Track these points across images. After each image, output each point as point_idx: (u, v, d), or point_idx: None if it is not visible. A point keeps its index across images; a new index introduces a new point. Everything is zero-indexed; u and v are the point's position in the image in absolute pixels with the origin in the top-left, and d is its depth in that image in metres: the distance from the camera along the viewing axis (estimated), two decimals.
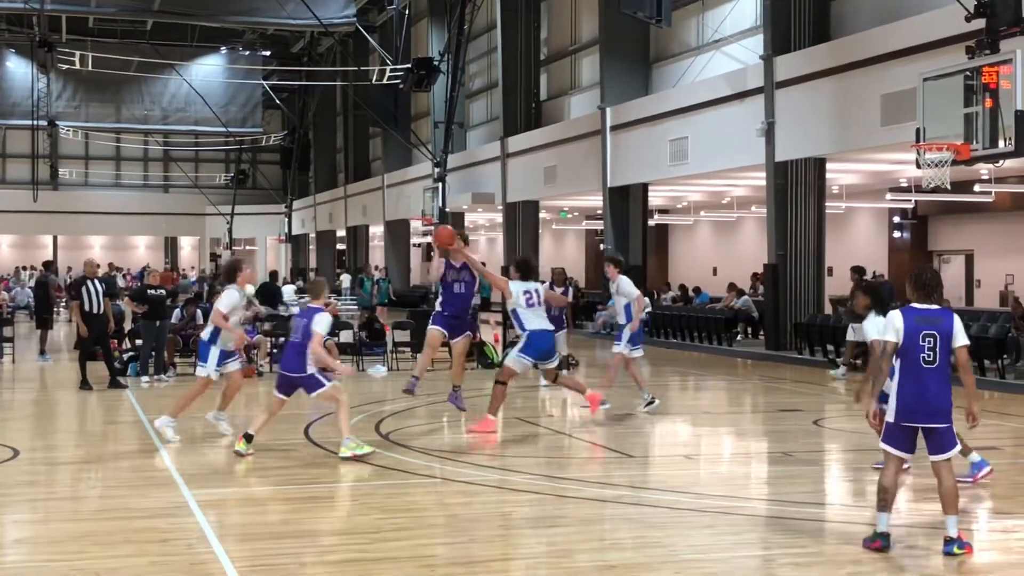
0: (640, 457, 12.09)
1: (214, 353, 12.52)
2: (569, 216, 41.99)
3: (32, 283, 40.57)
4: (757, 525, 8.78)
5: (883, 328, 7.71)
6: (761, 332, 25.86)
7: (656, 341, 27.18)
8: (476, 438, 12.63)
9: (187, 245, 66.67)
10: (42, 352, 22.80)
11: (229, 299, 12.53)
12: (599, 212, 34.11)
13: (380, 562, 7.53)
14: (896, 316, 7.65)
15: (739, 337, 26.54)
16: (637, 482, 10.40)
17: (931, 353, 7.50)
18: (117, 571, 7.18)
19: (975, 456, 10.03)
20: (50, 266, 24.31)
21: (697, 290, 31.27)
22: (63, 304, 34.06)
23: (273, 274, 30.87)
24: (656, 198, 33.56)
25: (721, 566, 7.44)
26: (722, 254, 37.52)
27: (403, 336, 22.82)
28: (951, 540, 7.46)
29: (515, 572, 7.17)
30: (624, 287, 15.12)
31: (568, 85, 36.21)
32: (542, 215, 39.07)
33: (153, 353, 18.92)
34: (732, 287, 28.23)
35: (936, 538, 7.64)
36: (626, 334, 14.90)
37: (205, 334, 12.81)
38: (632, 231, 30.66)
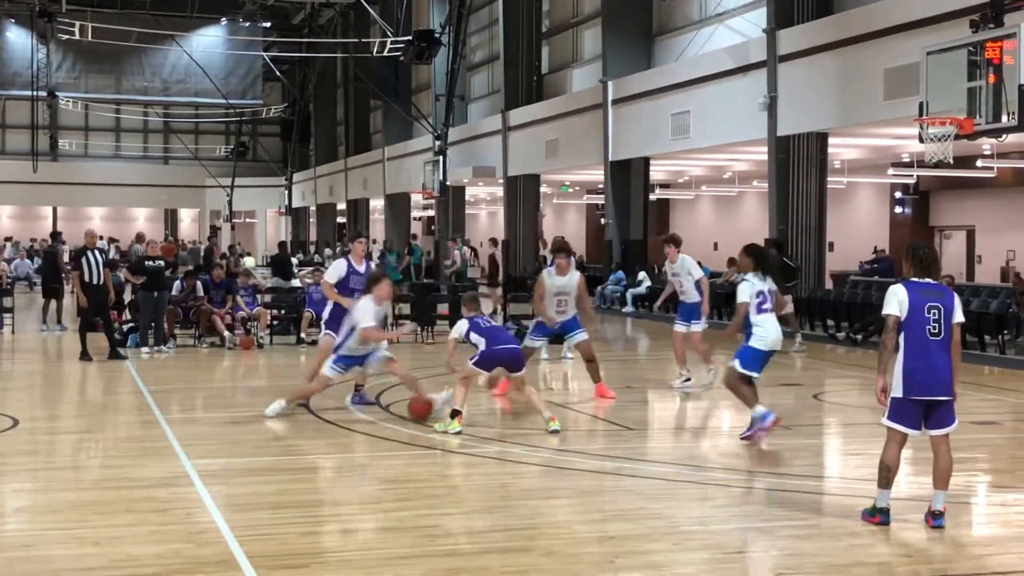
0: (639, 430, 12.09)
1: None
2: (570, 190, 41.92)
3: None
4: (756, 498, 8.79)
5: (885, 301, 7.66)
6: None
7: (656, 316, 27.15)
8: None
9: (187, 217, 66.60)
10: (55, 321, 22.73)
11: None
12: (600, 186, 34.06)
13: (381, 532, 7.53)
14: (900, 289, 7.60)
15: None
16: (636, 454, 10.41)
17: (936, 325, 7.48)
18: (117, 539, 7.18)
19: (760, 408, 10.62)
20: (58, 237, 24.29)
21: (698, 265, 31.21)
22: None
23: (282, 245, 30.75)
24: (657, 172, 33.50)
25: (721, 538, 7.44)
26: (723, 229, 37.48)
27: (403, 309, 22.81)
28: (940, 514, 7.47)
29: (515, 542, 7.17)
30: (690, 265, 15.12)
31: (570, 58, 36.07)
32: (543, 189, 38.99)
33: (153, 324, 18.92)
34: (732, 262, 28.19)
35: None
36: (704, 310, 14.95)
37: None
38: (633, 205, 30.61)
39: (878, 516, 7.55)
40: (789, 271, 20.82)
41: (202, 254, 31.79)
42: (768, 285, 10.72)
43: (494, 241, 35.17)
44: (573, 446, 10.59)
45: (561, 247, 14.28)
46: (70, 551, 6.95)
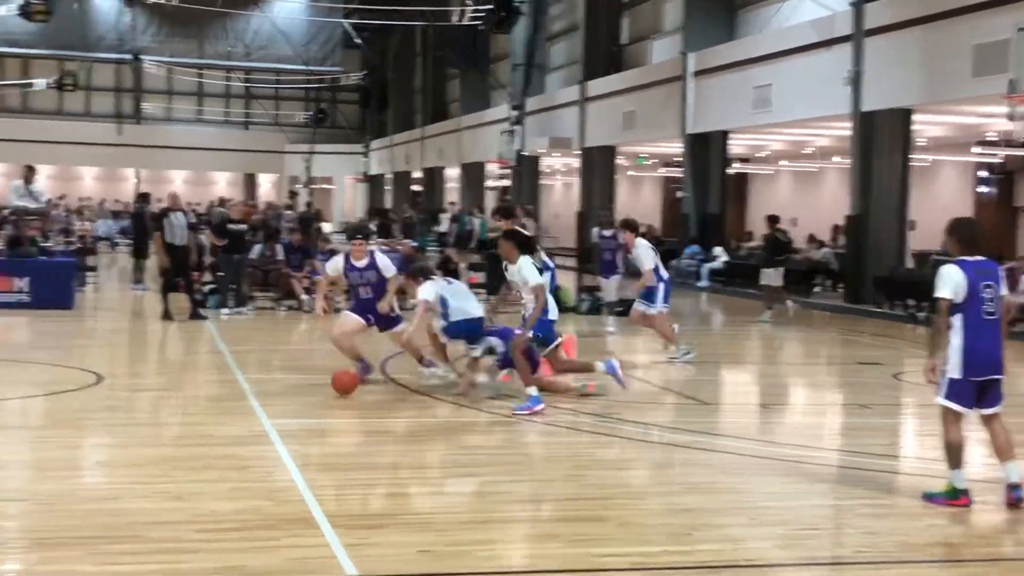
0: (714, 404, 12.07)
1: None
2: (647, 162, 41.65)
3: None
4: (831, 475, 8.74)
5: (939, 283, 7.50)
6: (840, 285, 25.55)
7: (734, 291, 27.01)
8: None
9: (266, 182, 67.24)
10: (139, 281, 23.21)
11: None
12: (677, 159, 33.81)
13: (457, 496, 7.61)
14: (955, 271, 7.47)
15: (817, 289, 26.25)
16: (710, 428, 10.38)
17: (991, 304, 7.46)
18: (198, 495, 7.33)
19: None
20: (146, 198, 24.70)
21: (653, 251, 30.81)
22: None
23: (382, 212, 30.94)
24: (736, 146, 33.16)
25: (795, 514, 7.41)
26: (802, 205, 37.01)
27: (479, 278, 22.92)
28: (1017, 486, 7.38)
29: (588, 511, 7.20)
30: (644, 251, 15.21)
31: (651, 29, 35.76)
32: (619, 161, 38.80)
33: (233, 286, 19.19)
34: (812, 238, 27.91)
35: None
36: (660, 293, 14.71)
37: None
38: (711, 179, 30.37)
39: (964, 498, 7.43)
40: (780, 246, 21.21)
41: (289, 219, 32.07)
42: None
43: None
44: (647, 419, 10.59)
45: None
46: (153, 505, 7.11)
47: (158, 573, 5.81)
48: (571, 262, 32.18)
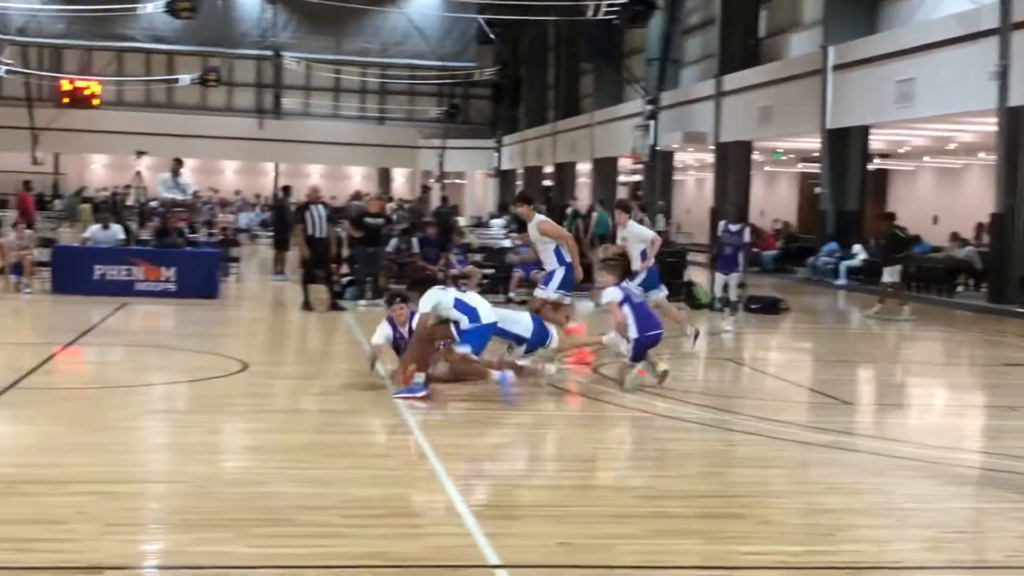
0: (854, 404, 11.85)
1: None
2: (783, 158, 41.05)
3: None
4: (978, 478, 8.52)
5: None
6: (983, 284, 24.83)
7: (873, 289, 26.46)
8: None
9: (399, 176, 68.13)
10: (280, 272, 23.77)
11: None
12: (815, 154, 33.24)
13: (594, 490, 7.62)
14: None
15: (960, 288, 25.55)
16: (852, 428, 10.20)
17: None
18: (344, 481, 7.48)
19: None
20: (288, 191, 25.32)
21: (917, 239, 30.17)
22: None
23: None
24: (876, 142, 32.46)
25: (941, 516, 7.24)
26: (944, 202, 36.07)
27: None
28: None
29: (727, 508, 7.15)
30: (638, 231, 15.13)
31: (789, 22, 35.22)
32: (754, 156, 38.31)
33: (370, 278, 19.51)
34: (955, 237, 27.18)
35: None
36: (557, 278, 13.25)
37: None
38: (850, 175, 29.78)
39: None
40: (900, 242, 20.97)
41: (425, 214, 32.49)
42: None
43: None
44: (787, 417, 10.45)
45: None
46: (300, 490, 7.28)
47: (307, 556, 5.95)
48: (703, 258, 31.85)
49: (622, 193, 52.38)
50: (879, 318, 19.98)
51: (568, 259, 13.05)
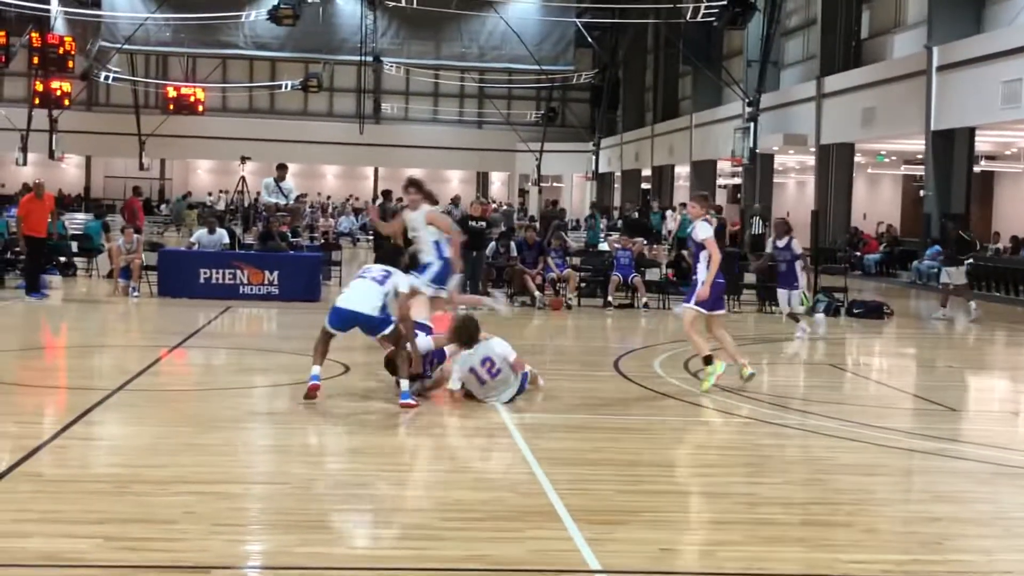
0: (960, 411, 11.61)
1: None
2: (886, 160, 40.37)
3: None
4: None
5: None
6: None
7: (979, 294, 25.92)
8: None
9: (497, 180, 68.40)
10: None
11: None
12: (919, 156, 32.64)
13: (694, 495, 7.57)
14: None
15: None
16: (957, 436, 10.00)
17: None
18: (444, 484, 7.53)
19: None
20: (388, 195, 25.61)
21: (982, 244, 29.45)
22: None
23: (642, 211, 31.00)
24: (983, 143, 31.76)
25: None
26: None
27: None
28: None
29: (832, 516, 7.05)
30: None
31: (892, 23, 34.64)
32: (857, 158, 37.73)
33: (469, 282, 19.61)
34: None
35: None
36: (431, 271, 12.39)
37: None
38: (955, 177, 29.18)
39: None
40: (964, 244, 21.31)
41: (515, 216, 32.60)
42: None
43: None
44: (891, 423, 10.27)
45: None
46: (400, 492, 7.35)
47: (408, 559, 6.00)
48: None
49: (721, 196, 52.01)
50: (945, 319, 20.34)
51: (447, 254, 12.35)
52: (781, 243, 17.26)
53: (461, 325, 10.99)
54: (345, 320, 10.60)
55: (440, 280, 12.33)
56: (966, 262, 21.19)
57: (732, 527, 6.72)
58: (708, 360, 11.57)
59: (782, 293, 17.14)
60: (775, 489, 7.72)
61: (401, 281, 10.81)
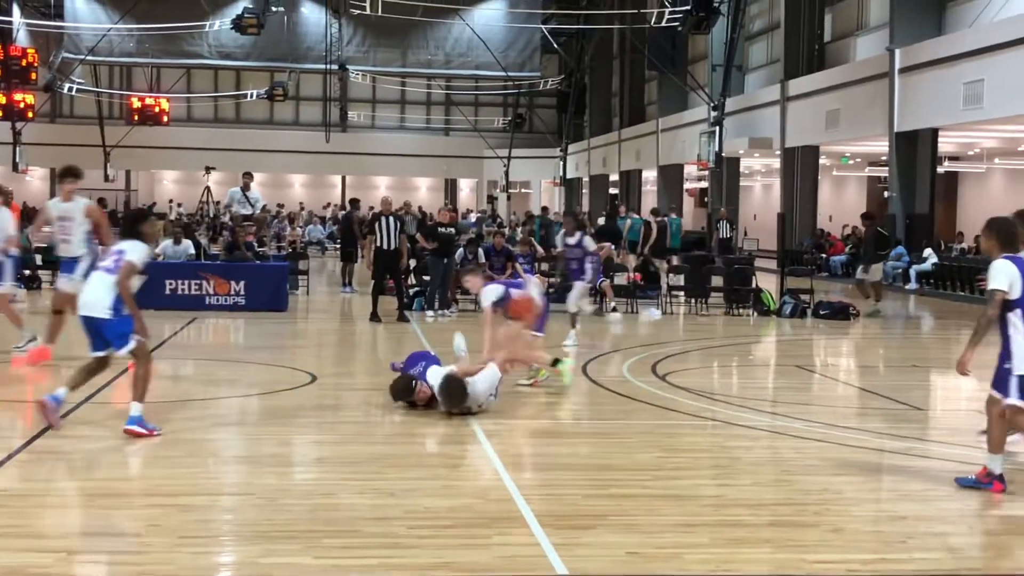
0: (925, 410, 11.69)
1: None
2: (850, 162, 40.66)
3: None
4: None
5: (993, 276, 7.59)
6: None
7: (944, 294, 26.14)
8: None
9: (465, 187, 68.36)
10: (347, 284, 23.98)
11: None
12: (883, 158, 32.88)
13: (662, 498, 7.58)
14: (1009, 266, 7.52)
15: None
16: (923, 435, 10.07)
17: None
18: (411, 492, 7.51)
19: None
20: (355, 204, 25.58)
21: (898, 240, 29.66)
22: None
23: (610, 216, 30.98)
24: (946, 144, 32.04)
25: (1018, 524, 7.12)
26: (1017, 204, 35.48)
27: (677, 280, 22.84)
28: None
29: (802, 516, 7.08)
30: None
31: (855, 25, 34.90)
32: (822, 161, 37.97)
33: (440, 289, 19.64)
34: None
35: None
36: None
37: None
38: (919, 178, 29.40)
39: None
40: (885, 240, 22.16)
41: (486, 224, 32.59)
42: None
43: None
44: (855, 424, 10.33)
45: None
46: (368, 501, 7.32)
47: (375, 568, 5.99)
48: (772, 264, 31.59)
49: (688, 200, 52.24)
50: (880, 314, 21.04)
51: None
52: (572, 240, 16.24)
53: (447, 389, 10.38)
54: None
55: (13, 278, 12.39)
56: (884, 259, 22.25)
57: (699, 529, 6.74)
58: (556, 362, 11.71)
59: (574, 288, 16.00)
60: (742, 491, 7.74)
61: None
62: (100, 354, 9.39)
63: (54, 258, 12.62)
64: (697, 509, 7.22)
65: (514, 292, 11.53)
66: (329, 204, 56.86)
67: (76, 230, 12.58)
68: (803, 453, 9.11)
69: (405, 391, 10.54)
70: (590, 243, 16.21)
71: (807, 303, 20.82)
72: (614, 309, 20.47)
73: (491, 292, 11.43)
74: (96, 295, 9.24)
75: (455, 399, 10.17)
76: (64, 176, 12.91)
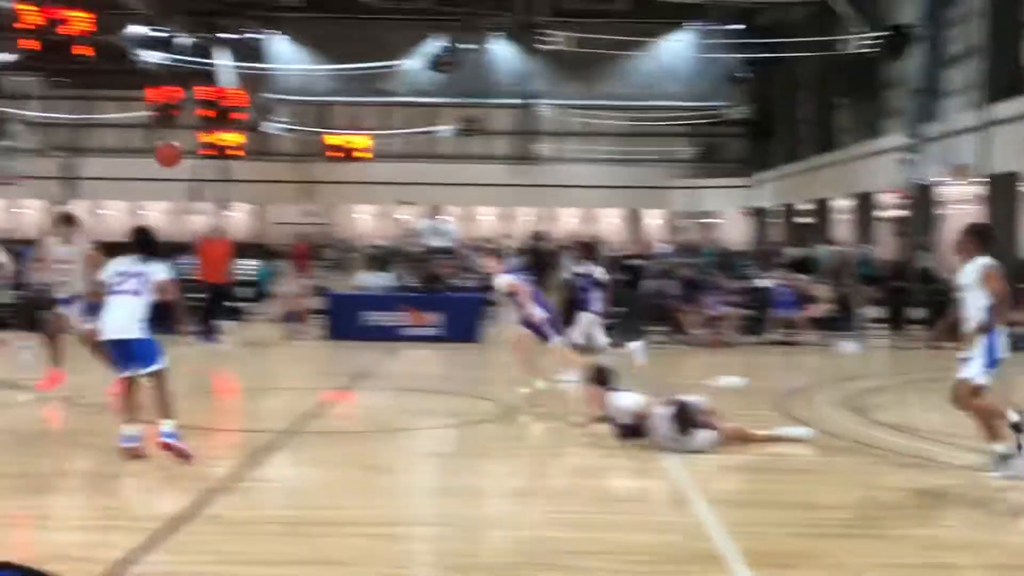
0: None
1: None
2: None
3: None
4: None
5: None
6: None
7: None
8: None
9: (651, 217, 68.12)
10: None
11: None
12: None
13: (874, 539, 7.31)
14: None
15: None
16: None
17: None
18: (608, 526, 7.51)
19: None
20: (540, 237, 25.87)
21: None
22: None
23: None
24: None
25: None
26: None
27: (875, 312, 22.28)
28: None
29: (1017, 560, 6.80)
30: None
31: None
32: (1021, 188, 36.44)
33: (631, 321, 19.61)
34: None
35: None
36: None
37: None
38: None
39: None
40: None
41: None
42: None
43: None
44: None
45: None
46: (564, 534, 7.33)
47: None
48: None
49: (883, 229, 50.84)
50: None
51: None
52: (581, 268, 15.68)
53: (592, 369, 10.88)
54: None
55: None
56: None
57: (907, 571, 6.54)
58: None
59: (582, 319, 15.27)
60: (951, 532, 7.48)
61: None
62: (145, 372, 9.54)
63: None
64: (907, 551, 7.00)
65: None
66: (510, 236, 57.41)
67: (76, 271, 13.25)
68: (1019, 493, 8.71)
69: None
70: (600, 273, 15.67)
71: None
72: (808, 343, 20.03)
73: None
74: (125, 319, 9.57)
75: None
76: (63, 222, 13.87)
